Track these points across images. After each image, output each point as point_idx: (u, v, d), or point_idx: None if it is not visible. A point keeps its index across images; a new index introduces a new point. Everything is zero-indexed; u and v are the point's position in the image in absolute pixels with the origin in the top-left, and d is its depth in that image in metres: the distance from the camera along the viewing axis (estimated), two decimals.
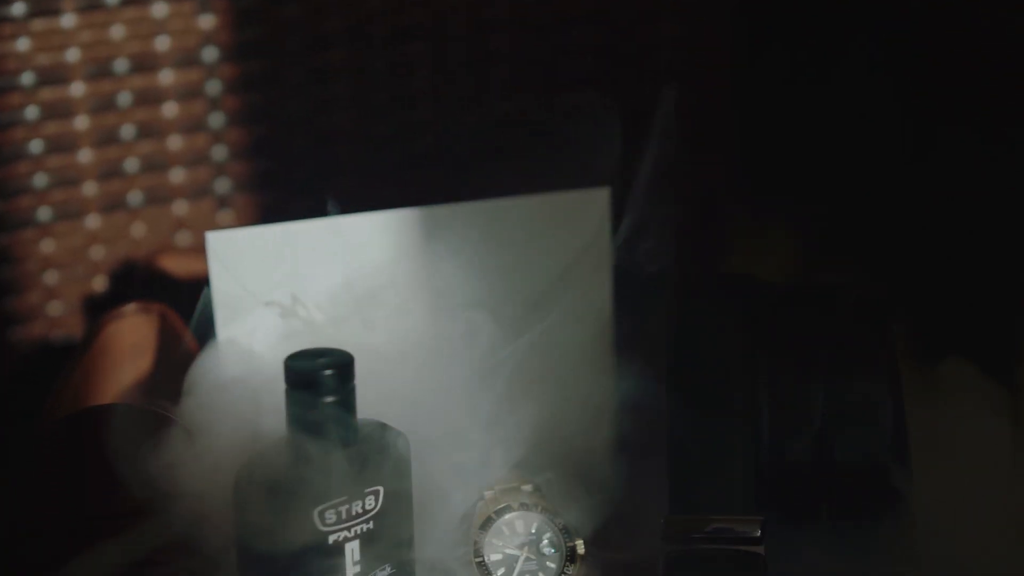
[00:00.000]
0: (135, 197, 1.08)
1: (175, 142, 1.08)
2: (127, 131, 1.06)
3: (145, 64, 1.06)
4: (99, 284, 1.08)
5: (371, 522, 0.74)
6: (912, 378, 0.80)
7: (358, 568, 0.74)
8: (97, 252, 1.08)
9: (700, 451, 0.79)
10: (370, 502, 0.74)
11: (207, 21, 1.07)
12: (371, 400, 0.79)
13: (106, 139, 1.06)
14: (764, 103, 1.13)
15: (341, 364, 0.73)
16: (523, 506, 0.80)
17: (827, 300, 0.82)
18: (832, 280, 0.85)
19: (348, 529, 0.73)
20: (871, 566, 0.77)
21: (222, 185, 1.10)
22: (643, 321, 0.89)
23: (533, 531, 0.79)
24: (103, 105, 1.05)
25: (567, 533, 0.79)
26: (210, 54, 1.07)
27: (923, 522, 0.79)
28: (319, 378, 0.72)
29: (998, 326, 0.91)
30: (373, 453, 0.74)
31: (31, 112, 1.02)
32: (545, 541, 0.79)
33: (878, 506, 0.79)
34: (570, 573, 0.78)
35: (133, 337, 0.90)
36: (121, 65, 1.05)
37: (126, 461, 0.77)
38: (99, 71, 1.04)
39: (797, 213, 0.98)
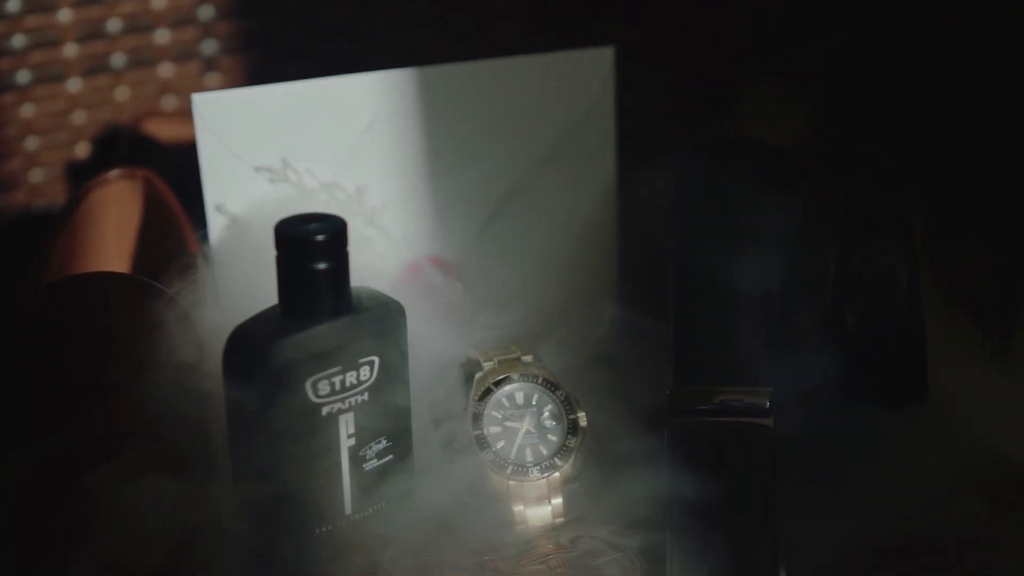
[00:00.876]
0: (118, 59, 1.06)
1: (159, 0, 1.05)
2: None
3: None
4: (82, 150, 1.07)
5: (366, 394, 0.72)
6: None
7: (352, 441, 0.72)
8: (79, 117, 1.06)
9: (706, 321, 0.78)
10: (364, 373, 0.72)
11: None
12: (365, 268, 0.78)
13: None
14: None
15: (334, 230, 0.70)
16: (523, 377, 0.78)
17: (841, 164, 0.80)
18: (846, 144, 0.82)
19: (342, 401, 0.71)
20: (884, 438, 0.76)
21: (209, 46, 1.08)
22: (649, 188, 0.87)
23: (534, 403, 0.78)
24: None
25: (569, 405, 0.77)
26: None
27: (937, 397, 0.77)
28: (311, 244, 0.69)
29: (1015, 200, 0.89)
30: (367, 322, 0.72)
31: None
32: (546, 413, 0.78)
33: (891, 377, 0.76)
34: (572, 446, 0.77)
35: (117, 204, 0.89)
36: None
37: (111, 331, 0.76)
38: None
39: (810, 76, 0.95)
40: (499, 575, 0.73)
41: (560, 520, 0.76)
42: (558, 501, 0.76)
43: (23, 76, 1.02)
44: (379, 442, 0.74)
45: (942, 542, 0.74)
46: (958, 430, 0.80)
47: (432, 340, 0.81)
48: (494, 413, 0.77)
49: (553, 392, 0.78)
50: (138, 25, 1.05)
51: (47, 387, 0.74)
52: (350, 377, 0.71)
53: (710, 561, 0.70)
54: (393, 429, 0.74)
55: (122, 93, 1.07)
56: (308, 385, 0.70)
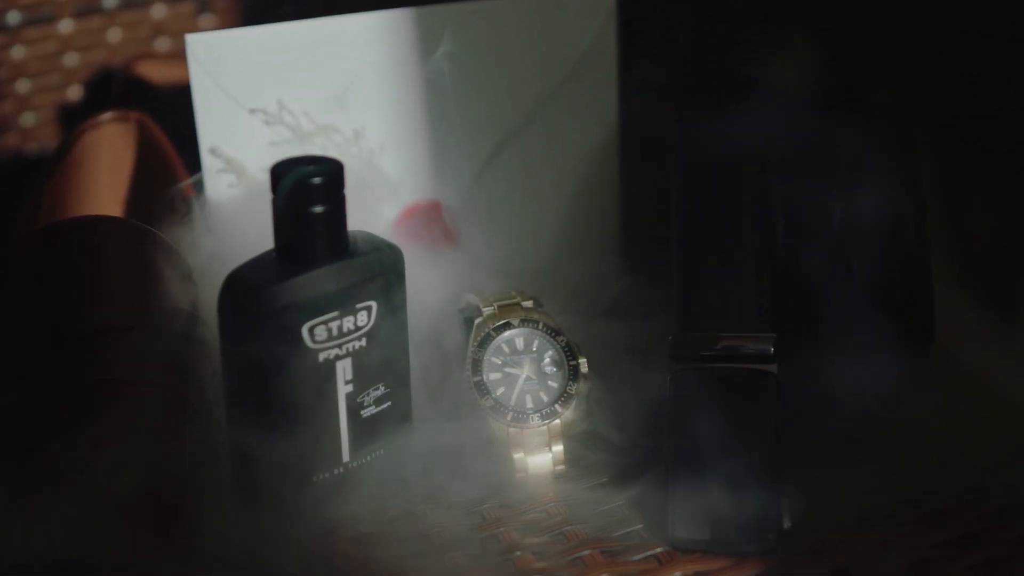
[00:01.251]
0: (110, 0, 1.05)
1: None
2: None
3: None
4: (74, 93, 1.07)
5: (363, 339, 0.71)
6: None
7: (350, 388, 0.72)
8: (71, 59, 1.05)
9: (710, 265, 0.77)
10: (362, 318, 0.71)
11: None
12: (362, 211, 0.77)
13: None
14: None
15: (331, 172, 0.69)
16: (524, 323, 0.77)
17: (848, 107, 0.79)
18: (854, 87, 0.81)
19: (339, 347, 0.71)
20: (888, 385, 0.75)
21: None
22: (651, 130, 0.85)
23: (534, 349, 0.77)
24: None
25: (570, 351, 0.77)
26: None
27: (944, 344, 0.76)
28: (308, 187, 0.69)
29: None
30: (365, 267, 0.71)
31: None
32: (547, 359, 0.77)
33: (898, 322, 0.76)
34: (573, 392, 0.76)
35: (110, 148, 0.89)
36: None
37: (104, 276, 0.76)
38: None
39: (818, 17, 0.93)
40: (499, 523, 0.73)
41: (560, 467, 0.76)
42: (559, 448, 0.76)
43: (13, 17, 1.02)
44: (377, 389, 0.73)
45: (950, 492, 0.73)
46: (966, 376, 0.80)
47: (431, 285, 0.80)
48: (494, 359, 0.76)
49: (554, 338, 0.77)
50: None
51: (39, 332, 0.73)
52: (347, 322, 0.70)
53: (712, 508, 0.70)
54: (391, 375, 0.73)
55: (114, 34, 1.06)
56: (305, 330, 0.69)
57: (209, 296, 0.75)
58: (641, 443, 0.76)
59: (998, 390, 0.78)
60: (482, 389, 0.75)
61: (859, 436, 0.75)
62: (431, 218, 0.86)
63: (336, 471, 0.72)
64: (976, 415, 0.77)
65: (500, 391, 0.76)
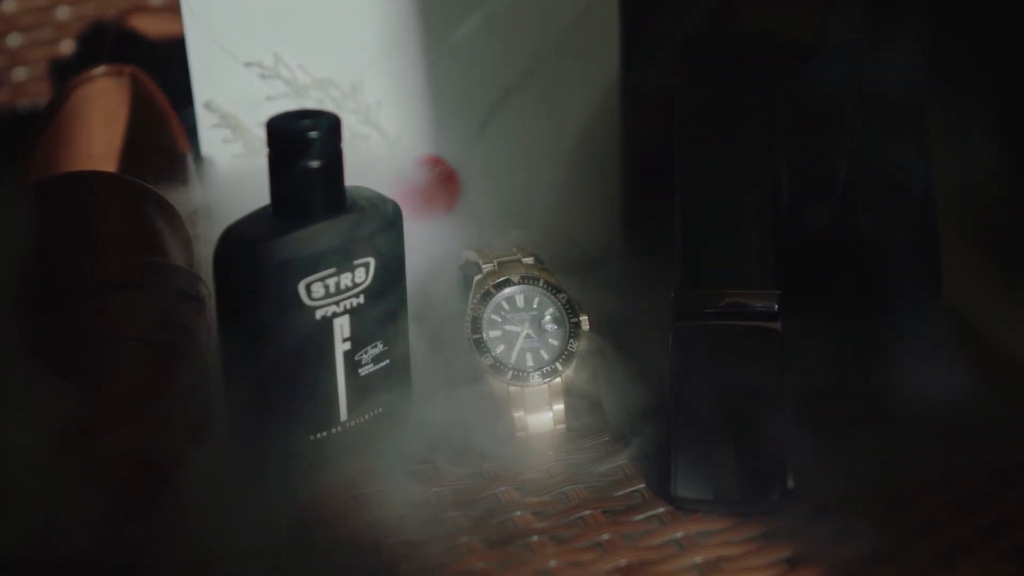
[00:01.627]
0: None
1: None
2: None
3: None
4: (66, 47, 1.06)
5: (361, 296, 0.71)
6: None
7: (348, 346, 0.71)
8: (63, 12, 1.05)
9: (712, 220, 0.76)
10: (360, 275, 0.70)
11: None
12: (360, 167, 0.77)
13: None
14: None
15: (328, 126, 0.68)
16: (524, 280, 0.76)
17: (852, 57, 0.77)
18: (858, 37, 0.80)
19: (337, 304, 0.70)
20: (896, 344, 0.74)
21: None
22: (653, 86, 0.85)
23: (535, 306, 0.76)
24: None
25: (571, 308, 0.76)
26: None
27: (950, 298, 0.75)
28: (304, 140, 0.68)
29: None
30: (363, 223, 0.70)
31: None
32: (547, 317, 0.76)
33: (904, 280, 0.75)
34: (574, 350, 0.75)
35: (103, 102, 0.88)
36: None
37: (97, 232, 0.75)
38: None
39: None
40: (499, 483, 0.72)
41: (561, 427, 0.75)
42: (559, 407, 0.75)
43: None
44: (375, 346, 0.72)
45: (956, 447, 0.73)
46: (971, 334, 0.79)
47: (430, 242, 0.80)
48: (493, 316, 0.76)
49: (555, 295, 0.76)
50: None
51: (32, 288, 0.72)
52: (345, 279, 0.70)
53: (715, 468, 0.69)
54: (390, 333, 0.73)
55: None
56: (301, 287, 0.69)
57: (205, 252, 0.75)
58: (643, 401, 0.75)
59: (1003, 349, 0.77)
60: (481, 347, 0.75)
61: (860, 396, 0.74)
62: (430, 174, 0.85)
63: (334, 430, 0.72)
64: (979, 373, 0.76)
65: (500, 349, 0.75)
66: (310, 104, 0.82)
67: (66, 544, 0.63)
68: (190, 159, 0.85)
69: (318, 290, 0.69)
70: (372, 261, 0.70)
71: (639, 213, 0.87)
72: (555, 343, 0.76)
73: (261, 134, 0.80)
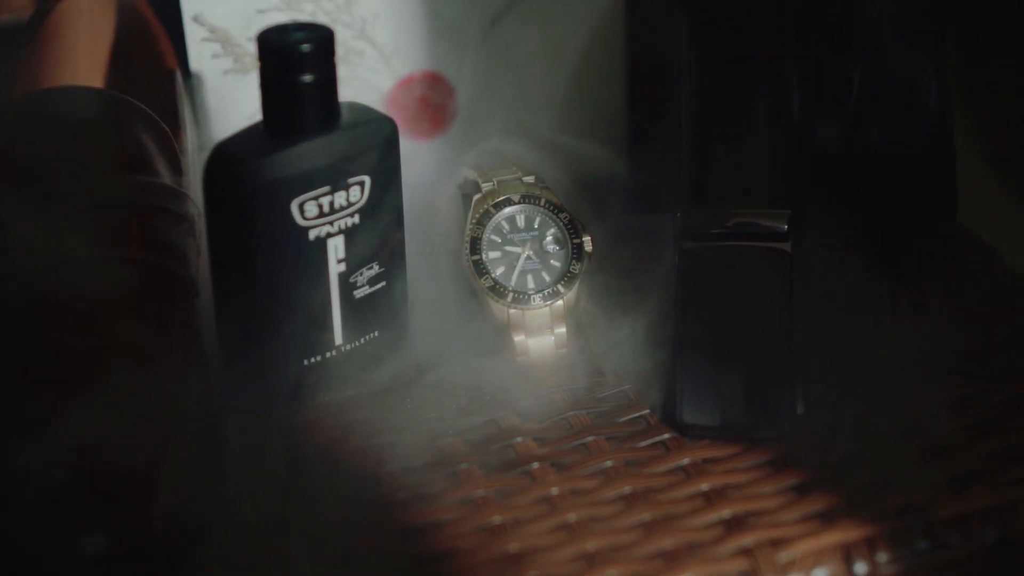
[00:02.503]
0: None
1: None
2: None
3: None
4: None
5: (356, 216, 0.70)
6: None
7: (342, 267, 0.70)
8: None
9: (721, 138, 0.75)
10: (355, 194, 0.69)
11: None
12: (354, 82, 0.77)
13: None
14: None
15: (321, 38, 0.67)
16: (524, 199, 0.75)
17: None
18: None
19: (331, 224, 0.69)
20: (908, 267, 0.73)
21: None
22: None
23: (536, 226, 0.75)
24: None
25: (573, 229, 0.75)
26: None
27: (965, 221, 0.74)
28: (296, 53, 0.66)
29: None
30: (357, 139, 0.69)
31: None
32: (549, 238, 0.75)
33: (918, 197, 0.74)
34: (576, 272, 0.74)
35: (88, 17, 0.86)
36: None
37: (84, 149, 0.73)
38: None
39: None
40: (498, 408, 0.71)
41: (563, 351, 0.74)
42: (561, 331, 0.74)
43: None
44: (371, 268, 0.71)
45: (973, 370, 0.71)
46: (985, 254, 0.77)
47: (427, 159, 0.78)
48: (493, 237, 0.75)
49: (556, 215, 0.75)
50: None
51: (17, 208, 0.70)
52: (339, 198, 0.69)
53: (722, 393, 0.68)
54: (385, 254, 0.71)
55: None
56: (294, 206, 0.67)
57: (195, 170, 0.73)
58: (647, 324, 0.74)
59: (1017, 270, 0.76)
60: (480, 269, 0.74)
61: (873, 316, 0.73)
62: (427, 90, 0.84)
63: (328, 354, 0.71)
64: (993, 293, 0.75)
65: (500, 271, 0.74)
66: (302, 18, 0.81)
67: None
68: (178, 74, 0.83)
69: (311, 209, 0.68)
70: (367, 179, 0.69)
71: (644, 128, 0.86)
72: (557, 264, 0.75)
73: (252, 49, 0.79)
